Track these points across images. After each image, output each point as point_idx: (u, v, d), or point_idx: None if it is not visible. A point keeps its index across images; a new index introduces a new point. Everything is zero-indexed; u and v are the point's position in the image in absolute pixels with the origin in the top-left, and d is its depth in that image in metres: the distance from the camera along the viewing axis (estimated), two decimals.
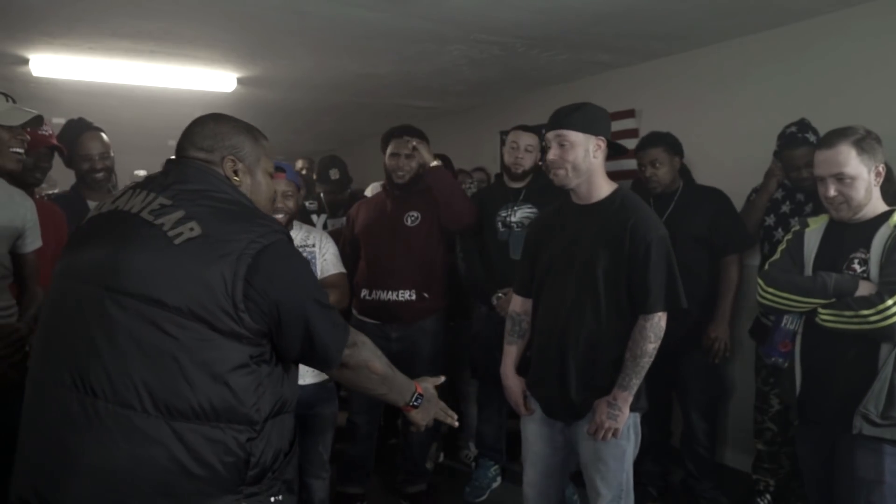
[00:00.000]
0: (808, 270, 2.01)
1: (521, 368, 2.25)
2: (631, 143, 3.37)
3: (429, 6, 2.96)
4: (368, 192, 3.75)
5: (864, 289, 1.85)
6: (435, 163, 2.97)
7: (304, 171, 4.87)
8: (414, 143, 2.96)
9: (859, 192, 1.90)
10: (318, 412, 2.47)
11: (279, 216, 2.41)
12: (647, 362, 1.98)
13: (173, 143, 1.49)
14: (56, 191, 3.71)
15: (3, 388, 1.86)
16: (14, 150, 1.96)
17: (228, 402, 1.24)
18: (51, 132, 2.60)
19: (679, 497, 3.18)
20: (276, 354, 1.34)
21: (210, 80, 4.31)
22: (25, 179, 2.46)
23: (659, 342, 1.98)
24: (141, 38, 3.48)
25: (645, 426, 2.14)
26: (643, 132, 3.38)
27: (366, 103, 5.33)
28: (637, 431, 2.09)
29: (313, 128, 6.72)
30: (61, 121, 2.82)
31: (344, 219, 3.43)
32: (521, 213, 3.04)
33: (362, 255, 3.08)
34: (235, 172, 1.41)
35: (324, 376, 2.36)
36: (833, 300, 1.89)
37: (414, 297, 2.95)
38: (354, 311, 3.06)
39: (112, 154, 2.91)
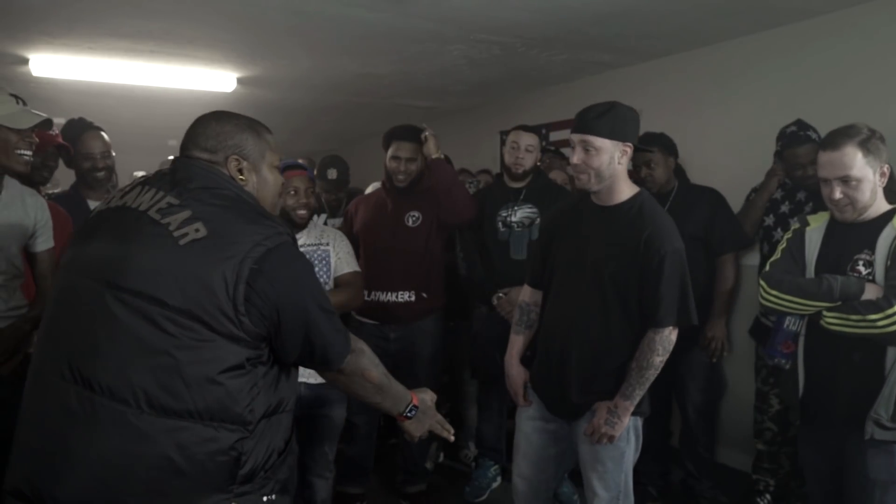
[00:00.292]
0: (811, 270, 1.99)
1: (526, 360, 2.24)
2: None
3: (429, 6, 2.96)
4: (368, 192, 3.74)
5: (871, 292, 1.82)
6: (436, 155, 2.95)
7: None
8: (426, 134, 2.95)
9: (865, 195, 1.88)
10: (327, 413, 2.47)
11: (301, 212, 2.43)
12: (652, 374, 1.95)
13: (174, 143, 1.49)
14: (57, 190, 3.71)
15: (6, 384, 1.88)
16: (22, 152, 1.96)
17: (222, 402, 1.24)
18: (57, 132, 2.61)
19: (679, 497, 3.18)
20: (274, 357, 1.34)
21: (210, 80, 4.31)
22: (32, 178, 2.49)
23: (667, 356, 1.95)
24: (141, 38, 3.48)
25: (644, 426, 2.13)
26: (643, 132, 3.38)
27: (365, 103, 5.33)
28: (638, 435, 2.08)
29: (313, 128, 6.72)
30: (61, 121, 2.82)
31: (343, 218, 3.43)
32: (521, 213, 3.04)
33: (361, 254, 3.07)
34: (240, 171, 1.41)
35: None
36: (838, 303, 1.87)
37: (413, 298, 2.95)
38: (353, 312, 3.06)
39: (113, 153, 2.92)
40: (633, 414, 2.00)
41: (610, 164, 1.94)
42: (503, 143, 3.40)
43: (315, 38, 3.49)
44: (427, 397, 1.65)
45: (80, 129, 2.84)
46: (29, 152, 1.99)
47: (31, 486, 1.22)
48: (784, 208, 2.90)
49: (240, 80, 4.43)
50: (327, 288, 2.50)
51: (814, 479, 2.12)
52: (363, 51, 3.74)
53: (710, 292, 2.99)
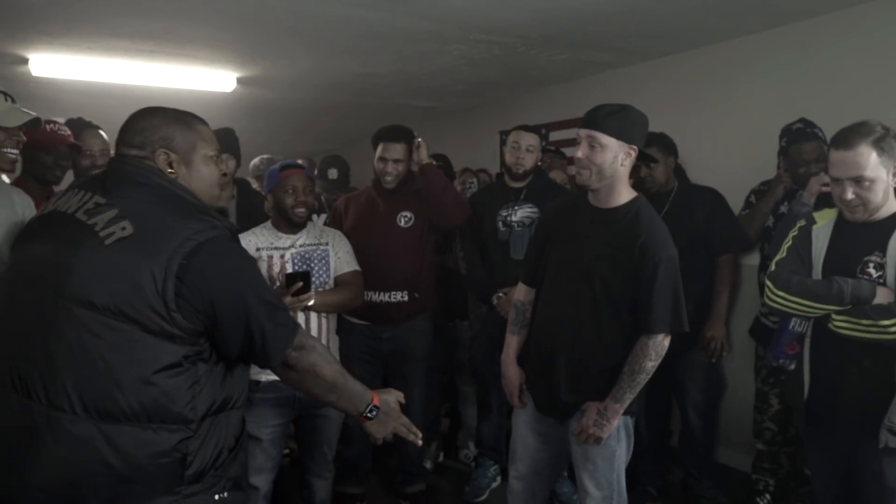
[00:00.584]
0: (817, 270, 1.92)
1: (522, 360, 2.24)
2: None
3: (429, 6, 2.96)
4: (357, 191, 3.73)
5: (882, 296, 1.77)
6: (427, 161, 2.95)
7: None
8: (419, 141, 2.95)
9: (877, 195, 1.80)
10: (326, 413, 2.46)
11: (299, 211, 2.43)
12: (643, 379, 1.95)
13: None
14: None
15: None
16: (8, 150, 1.94)
17: (159, 402, 1.23)
18: (69, 132, 2.61)
19: (679, 497, 3.18)
20: (218, 353, 1.32)
21: (210, 79, 4.31)
22: (45, 177, 2.50)
23: (659, 360, 1.95)
24: (141, 38, 3.48)
25: (644, 426, 2.13)
26: None
27: (365, 103, 5.32)
28: (629, 434, 2.07)
29: (313, 128, 6.71)
30: (61, 120, 2.82)
31: None
32: (521, 213, 3.04)
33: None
34: (170, 164, 1.39)
35: None
36: (848, 307, 1.81)
37: (406, 298, 2.94)
38: (344, 314, 3.05)
39: (111, 152, 2.92)
40: (624, 413, 1.99)
41: (613, 163, 1.94)
42: (503, 142, 3.40)
43: (315, 38, 3.49)
44: (391, 398, 1.57)
45: (79, 128, 2.84)
46: (16, 151, 1.97)
47: None
48: (784, 208, 2.89)
49: (240, 80, 4.42)
50: (327, 288, 2.50)
51: (820, 482, 2.09)
52: (363, 51, 3.74)
53: (710, 292, 2.98)
